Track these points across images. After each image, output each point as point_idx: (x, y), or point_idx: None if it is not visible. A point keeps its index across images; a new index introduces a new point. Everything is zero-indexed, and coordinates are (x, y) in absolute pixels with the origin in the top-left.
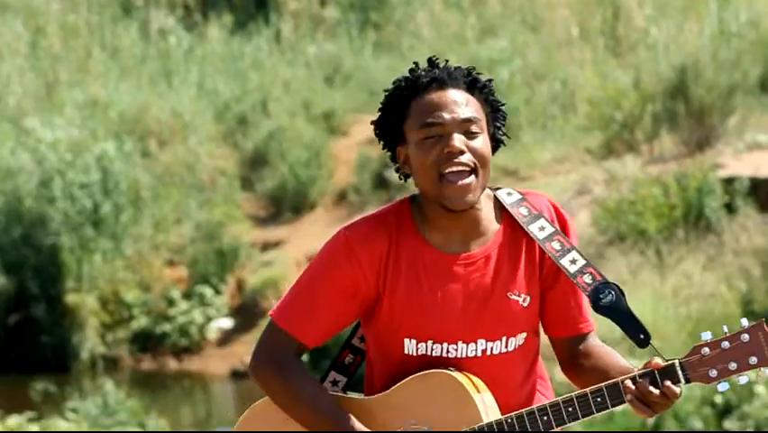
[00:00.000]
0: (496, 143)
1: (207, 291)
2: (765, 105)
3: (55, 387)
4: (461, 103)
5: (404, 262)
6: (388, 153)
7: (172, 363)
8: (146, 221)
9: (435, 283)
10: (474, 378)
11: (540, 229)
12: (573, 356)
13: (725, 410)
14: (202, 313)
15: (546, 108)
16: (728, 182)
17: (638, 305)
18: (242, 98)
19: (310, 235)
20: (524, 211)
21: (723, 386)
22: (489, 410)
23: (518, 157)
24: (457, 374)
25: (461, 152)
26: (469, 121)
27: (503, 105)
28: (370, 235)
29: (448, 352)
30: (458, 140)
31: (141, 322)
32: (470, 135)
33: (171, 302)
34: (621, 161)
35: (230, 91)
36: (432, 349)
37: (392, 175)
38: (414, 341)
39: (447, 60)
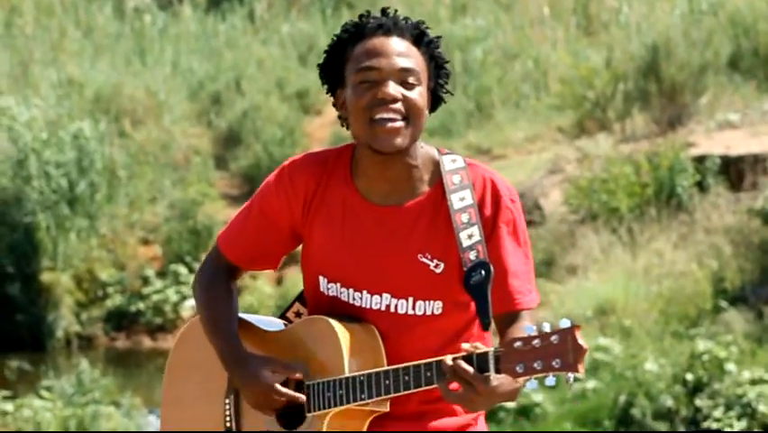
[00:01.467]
0: (437, 100)
1: (182, 270)
2: (736, 83)
3: (30, 366)
4: (402, 52)
5: (328, 201)
6: (331, 98)
7: (147, 342)
8: (121, 200)
9: (351, 227)
10: (367, 330)
11: (460, 199)
12: (501, 338)
13: (695, 388)
14: (176, 292)
15: (519, 87)
16: (699, 161)
17: (610, 284)
18: (217, 77)
19: None
20: (456, 179)
21: (531, 384)
22: (359, 364)
23: (491, 136)
24: (336, 324)
25: (394, 100)
26: (406, 71)
27: (447, 62)
28: (304, 170)
29: (354, 299)
30: (392, 87)
31: (115, 301)
32: (407, 85)
33: (146, 281)
34: (593, 140)
35: (204, 70)
36: (340, 292)
37: None
38: (325, 279)
39: (396, 10)
